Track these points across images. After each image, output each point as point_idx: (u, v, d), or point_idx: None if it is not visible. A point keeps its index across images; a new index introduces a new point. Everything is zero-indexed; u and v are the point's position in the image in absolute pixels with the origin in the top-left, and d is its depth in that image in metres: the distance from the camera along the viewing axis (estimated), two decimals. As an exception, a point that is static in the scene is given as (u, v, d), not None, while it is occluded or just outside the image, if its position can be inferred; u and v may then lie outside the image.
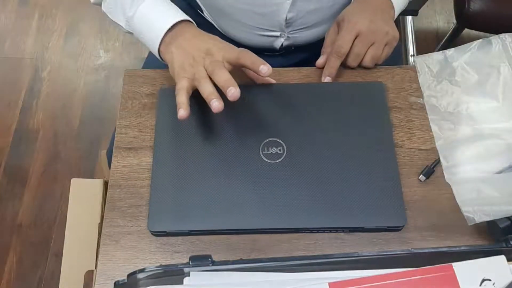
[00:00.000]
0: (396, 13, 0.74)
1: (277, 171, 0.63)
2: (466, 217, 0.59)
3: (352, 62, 0.72)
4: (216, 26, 0.85)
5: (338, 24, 0.72)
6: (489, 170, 0.64)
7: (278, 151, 0.64)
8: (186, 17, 0.69)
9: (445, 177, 0.64)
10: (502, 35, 0.73)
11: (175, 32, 0.67)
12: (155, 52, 0.69)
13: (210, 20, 0.85)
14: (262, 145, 0.64)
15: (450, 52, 0.73)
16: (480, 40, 0.73)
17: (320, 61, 0.72)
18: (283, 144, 0.64)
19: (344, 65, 0.72)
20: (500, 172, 0.64)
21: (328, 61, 0.71)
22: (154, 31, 0.68)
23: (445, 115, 0.69)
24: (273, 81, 0.69)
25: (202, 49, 0.64)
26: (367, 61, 0.72)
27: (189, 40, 0.66)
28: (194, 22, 0.70)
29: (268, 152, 0.64)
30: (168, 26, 0.67)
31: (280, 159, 0.63)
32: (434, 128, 0.68)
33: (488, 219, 0.58)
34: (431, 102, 0.70)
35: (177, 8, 0.70)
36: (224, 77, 0.59)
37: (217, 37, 0.67)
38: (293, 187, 0.62)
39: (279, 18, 0.76)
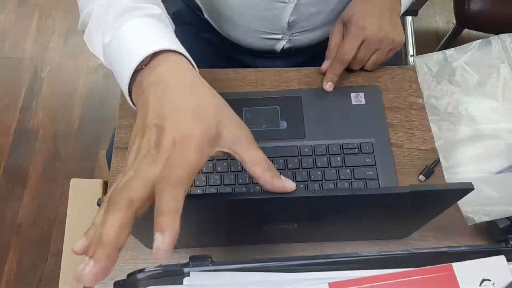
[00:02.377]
0: (403, 9, 0.73)
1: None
2: (465, 217, 0.59)
3: (355, 66, 0.72)
4: (216, 28, 0.84)
5: (344, 24, 0.70)
6: (489, 170, 0.65)
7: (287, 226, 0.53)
8: (178, 47, 0.44)
9: (445, 177, 0.64)
10: (502, 36, 0.73)
11: (153, 65, 0.43)
12: (127, 96, 0.45)
13: (210, 21, 0.85)
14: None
15: (450, 52, 0.73)
16: (480, 40, 0.73)
17: (324, 66, 0.72)
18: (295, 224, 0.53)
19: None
20: (500, 172, 0.64)
21: (331, 66, 0.70)
22: (124, 63, 0.44)
23: (445, 115, 0.69)
24: (291, 188, 0.42)
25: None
26: (368, 66, 0.72)
27: (173, 89, 0.40)
28: (192, 62, 0.45)
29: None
30: (142, 56, 0.42)
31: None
32: (434, 128, 0.68)
33: (488, 219, 0.58)
34: (431, 102, 0.70)
35: (170, 34, 0.47)
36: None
37: (222, 102, 0.42)
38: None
39: (281, 21, 0.76)
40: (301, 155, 0.66)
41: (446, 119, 0.69)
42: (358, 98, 0.71)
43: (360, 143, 0.67)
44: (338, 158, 0.66)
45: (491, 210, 0.58)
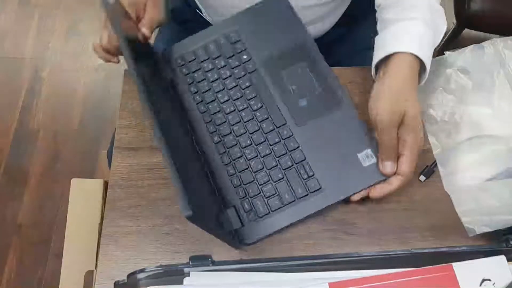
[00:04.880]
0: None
1: None
2: (466, 228, 0.59)
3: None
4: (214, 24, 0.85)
5: (398, 115, 0.58)
6: (487, 176, 0.63)
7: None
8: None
9: (444, 186, 0.63)
10: (494, 40, 0.71)
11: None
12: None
13: (209, 20, 0.85)
14: None
15: (443, 58, 0.72)
16: (472, 45, 0.71)
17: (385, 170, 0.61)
18: None
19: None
20: (497, 176, 0.63)
21: (396, 186, 0.60)
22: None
23: (441, 124, 0.68)
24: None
25: None
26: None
27: None
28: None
29: None
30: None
31: None
32: (431, 138, 0.67)
33: (489, 230, 0.57)
34: (428, 112, 0.69)
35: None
36: None
37: None
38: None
39: None
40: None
41: (442, 128, 0.67)
42: (368, 157, 0.63)
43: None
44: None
45: (491, 220, 0.57)
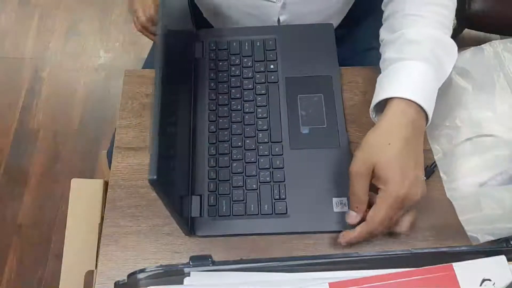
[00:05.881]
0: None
1: None
2: (469, 236, 0.59)
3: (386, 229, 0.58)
4: (215, 27, 0.85)
5: (373, 173, 0.56)
6: (488, 181, 0.63)
7: None
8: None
9: (446, 193, 0.63)
10: (493, 43, 0.71)
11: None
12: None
13: (208, 20, 0.85)
14: None
15: None
16: (472, 48, 0.71)
17: (352, 220, 0.58)
18: None
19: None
20: (497, 182, 0.63)
21: (359, 233, 0.57)
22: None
23: (442, 128, 0.67)
24: None
25: None
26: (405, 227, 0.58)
27: None
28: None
29: None
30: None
31: None
32: (432, 143, 0.67)
33: (492, 238, 0.57)
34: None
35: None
36: None
37: None
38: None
39: (271, 20, 0.76)
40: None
41: (443, 133, 0.67)
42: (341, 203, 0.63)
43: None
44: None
45: (495, 228, 0.57)
